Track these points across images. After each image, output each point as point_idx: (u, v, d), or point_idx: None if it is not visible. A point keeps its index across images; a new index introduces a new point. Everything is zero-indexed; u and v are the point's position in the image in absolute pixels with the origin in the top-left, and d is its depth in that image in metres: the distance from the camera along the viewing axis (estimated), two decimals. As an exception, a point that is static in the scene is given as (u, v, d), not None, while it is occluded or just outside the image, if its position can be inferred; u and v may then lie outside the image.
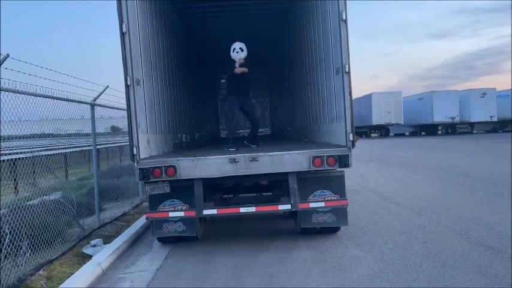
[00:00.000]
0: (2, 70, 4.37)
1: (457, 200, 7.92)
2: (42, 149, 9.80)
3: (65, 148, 12.14)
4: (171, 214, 5.38)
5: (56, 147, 11.54)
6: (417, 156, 17.40)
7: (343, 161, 5.09)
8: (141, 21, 5.79)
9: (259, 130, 14.14)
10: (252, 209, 5.32)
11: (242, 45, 6.90)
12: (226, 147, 6.38)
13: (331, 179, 5.47)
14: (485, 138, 26.68)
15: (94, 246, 5.66)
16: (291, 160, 5.12)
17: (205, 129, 12.90)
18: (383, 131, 36.34)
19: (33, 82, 5.03)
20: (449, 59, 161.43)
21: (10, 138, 5.42)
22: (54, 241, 5.63)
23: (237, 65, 6.81)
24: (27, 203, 6.00)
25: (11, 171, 8.51)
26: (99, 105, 7.56)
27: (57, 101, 5.89)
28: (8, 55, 4.35)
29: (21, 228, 4.98)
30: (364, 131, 36.11)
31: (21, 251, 4.95)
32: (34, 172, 6.66)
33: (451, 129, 36.44)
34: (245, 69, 6.82)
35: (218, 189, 6.14)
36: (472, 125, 35.19)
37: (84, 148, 14.07)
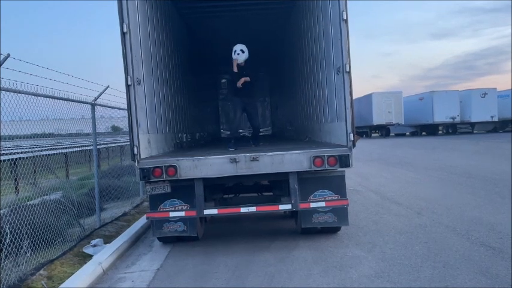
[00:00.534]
0: (2, 70, 4.37)
1: (458, 200, 7.91)
2: (42, 148, 9.80)
3: (66, 148, 12.14)
4: (171, 214, 5.37)
5: (56, 147, 11.54)
6: (418, 156, 17.39)
7: (344, 161, 5.09)
8: (142, 21, 5.79)
9: (260, 130, 14.25)
10: (252, 209, 5.31)
11: (243, 47, 6.87)
12: (228, 146, 6.40)
13: (332, 179, 5.46)
14: (486, 138, 26.65)
15: (94, 246, 5.66)
16: (291, 160, 5.11)
17: (206, 129, 12.90)
18: (383, 131, 36.33)
19: (33, 82, 5.04)
20: (450, 59, 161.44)
21: (11, 138, 5.42)
22: (54, 241, 5.63)
23: (234, 68, 6.81)
24: (28, 202, 6.00)
25: (11, 171, 8.51)
26: (100, 105, 7.56)
27: (58, 100, 5.89)
28: (8, 55, 4.35)
29: (22, 227, 4.98)
30: (364, 131, 36.11)
31: (22, 251, 4.94)
32: (35, 172, 6.66)
33: (451, 129, 36.42)
34: (246, 79, 6.82)
35: (219, 189, 6.14)
36: (472, 125, 35.16)
37: (84, 148, 14.08)
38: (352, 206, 6.43)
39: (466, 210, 7.09)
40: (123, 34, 5.00)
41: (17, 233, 4.87)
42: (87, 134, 8.43)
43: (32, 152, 8.55)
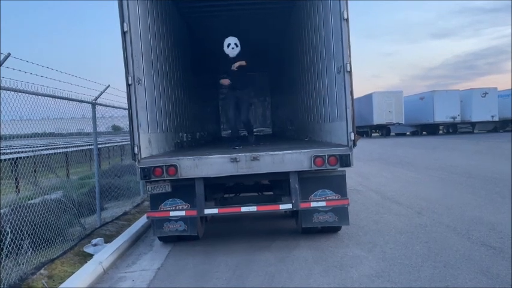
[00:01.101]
0: (3, 69, 4.37)
1: (458, 200, 7.90)
2: (43, 148, 9.80)
3: (66, 147, 12.13)
4: (172, 213, 5.37)
5: (57, 146, 11.54)
6: (418, 156, 17.38)
7: (344, 161, 5.08)
8: (142, 20, 5.78)
9: (260, 130, 14.24)
10: (253, 209, 5.31)
11: (236, 40, 6.88)
12: (233, 145, 6.39)
13: (332, 179, 5.46)
14: (486, 138, 26.63)
15: (95, 245, 5.66)
16: (292, 159, 5.11)
17: (207, 128, 12.89)
18: (384, 130, 36.30)
19: (34, 81, 5.04)
20: (450, 58, 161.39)
21: (11, 137, 5.42)
22: (55, 240, 5.63)
23: (235, 67, 6.78)
24: (29, 202, 6.00)
25: (12, 171, 8.51)
26: (101, 105, 7.57)
27: (59, 100, 5.89)
28: (9, 54, 4.35)
29: (23, 227, 4.99)
30: (365, 130, 36.08)
31: (23, 250, 4.95)
32: (35, 171, 6.67)
33: (452, 128, 36.39)
34: (242, 62, 6.78)
35: (219, 188, 6.14)
36: (473, 124, 35.13)
37: (85, 147, 14.07)
38: (353, 206, 6.43)
39: (466, 209, 7.08)
40: (123, 33, 5.00)
41: (17, 232, 4.87)
42: (88, 134, 8.43)
43: (32, 151, 8.56)
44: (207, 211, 5.33)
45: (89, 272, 4.69)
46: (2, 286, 4.17)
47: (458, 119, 34.00)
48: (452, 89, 35.33)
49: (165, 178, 5.09)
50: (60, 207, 6.39)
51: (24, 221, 5.05)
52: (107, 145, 16.30)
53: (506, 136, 26.33)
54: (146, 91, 5.68)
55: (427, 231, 5.91)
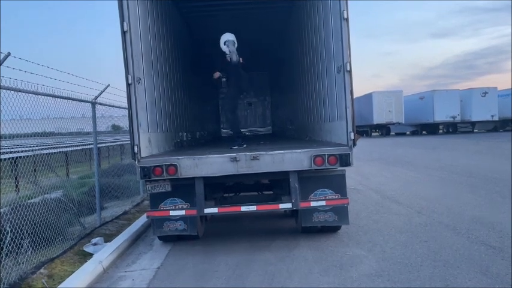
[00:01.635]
0: (3, 68, 4.37)
1: (458, 199, 7.91)
2: (43, 147, 9.80)
3: (66, 147, 12.14)
4: (172, 213, 5.37)
5: (57, 145, 11.54)
6: (418, 156, 17.39)
7: (344, 160, 5.09)
8: (142, 20, 5.78)
9: (259, 129, 14.24)
10: (253, 208, 5.31)
11: (234, 38, 6.76)
12: (237, 143, 6.37)
13: (332, 178, 5.46)
14: (486, 138, 26.63)
15: (95, 244, 5.67)
16: (292, 159, 5.11)
17: (206, 128, 12.90)
18: (384, 130, 36.33)
19: (34, 80, 5.04)
20: (450, 58, 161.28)
21: (11, 136, 5.42)
22: (55, 239, 5.63)
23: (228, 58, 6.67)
24: (29, 201, 6.00)
25: (12, 170, 8.51)
26: (100, 104, 7.56)
27: (59, 99, 5.89)
28: (9, 53, 4.36)
29: (23, 226, 4.99)
30: (365, 130, 36.09)
31: (23, 249, 4.95)
32: (35, 170, 6.67)
33: (452, 128, 36.40)
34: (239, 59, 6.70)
35: (219, 187, 6.14)
36: (473, 124, 35.15)
37: (85, 147, 14.08)
38: (353, 205, 6.43)
39: (466, 209, 7.09)
40: (123, 33, 5.00)
41: (17, 232, 4.87)
42: (88, 133, 8.43)
43: (32, 150, 8.57)
44: (207, 210, 5.33)
45: (88, 271, 4.69)
46: (2, 285, 4.17)
47: (458, 119, 34.02)
48: (452, 89, 35.37)
49: (165, 177, 5.10)
50: (60, 206, 6.39)
51: (24, 220, 5.06)
52: (107, 144, 16.31)
53: (506, 136, 26.34)
54: (146, 91, 5.68)
55: (427, 231, 5.91)
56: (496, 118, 33.35)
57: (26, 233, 5.06)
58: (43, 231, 5.34)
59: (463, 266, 4.48)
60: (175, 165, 5.03)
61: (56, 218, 5.85)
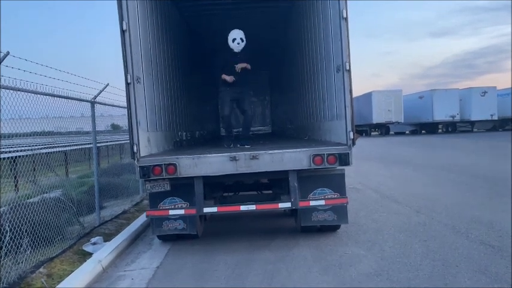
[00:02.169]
0: (2, 68, 4.37)
1: (457, 199, 7.92)
2: (42, 146, 9.81)
3: (65, 146, 12.13)
4: (171, 212, 5.38)
5: (56, 145, 11.54)
6: (417, 155, 17.40)
7: (344, 159, 5.09)
8: (142, 19, 5.78)
9: (259, 128, 14.24)
10: (252, 207, 5.31)
11: (242, 34, 6.49)
12: (241, 143, 6.34)
13: (332, 177, 5.46)
14: (485, 137, 26.67)
15: (94, 244, 5.66)
16: (291, 158, 5.12)
17: (206, 127, 12.89)
18: (383, 129, 36.33)
19: (33, 80, 5.03)
20: (449, 57, 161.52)
21: (10, 136, 5.42)
22: (54, 239, 5.63)
23: (238, 69, 6.46)
24: (28, 200, 6.00)
25: (11, 169, 8.51)
26: (100, 103, 7.55)
27: (58, 98, 5.88)
28: (8, 52, 4.35)
29: (22, 225, 4.99)
30: (364, 129, 36.08)
31: (22, 249, 4.95)
32: (34, 170, 6.67)
33: (451, 127, 36.41)
34: (246, 65, 6.44)
35: (218, 187, 6.14)
36: (472, 123, 35.21)
37: (84, 146, 14.06)
38: (352, 204, 6.43)
39: (465, 208, 7.09)
40: (122, 32, 5.00)
41: (16, 231, 4.87)
42: (87, 132, 8.42)
43: (31, 150, 8.56)
44: (206, 210, 5.34)
45: (88, 270, 4.69)
46: (1, 284, 4.17)
47: (457, 118, 34.05)
48: (451, 88, 35.43)
49: (164, 177, 5.09)
50: (59, 205, 6.39)
51: (24, 219, 5.05)
52: (106, 144, 16.30)
53: (505, 135, 26.37)
54: (145, 90, 5.68)
55: (426, 230, 5.92)
56: (495, 117, 33.40)
57: (25, 232, 5.06)
58: (42, 230, 5.33)
59: (462, 265, 4.48)
60: (174, 165, 5.03)
61: (55, 217, 5.85)
